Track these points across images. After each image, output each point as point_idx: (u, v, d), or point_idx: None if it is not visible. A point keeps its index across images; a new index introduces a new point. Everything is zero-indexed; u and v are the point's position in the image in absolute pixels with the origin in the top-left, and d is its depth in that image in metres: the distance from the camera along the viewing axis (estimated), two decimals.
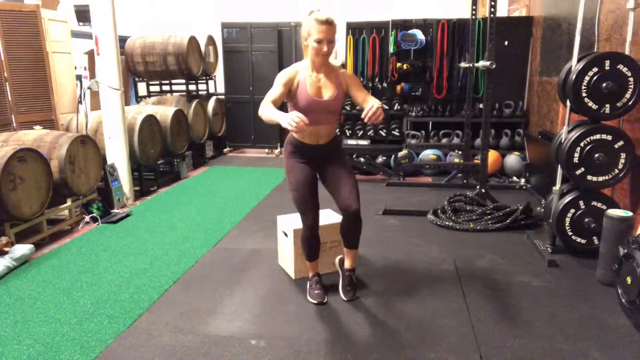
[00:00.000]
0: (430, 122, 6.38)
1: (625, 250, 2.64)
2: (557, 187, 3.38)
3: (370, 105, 2.33)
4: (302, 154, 2.68)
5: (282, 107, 2.45)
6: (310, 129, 2.54)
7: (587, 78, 3.09)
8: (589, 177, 3.20)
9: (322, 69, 2.59)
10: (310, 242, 2.77)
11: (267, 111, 2.38)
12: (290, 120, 2.18)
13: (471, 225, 4.00)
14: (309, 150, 2.66)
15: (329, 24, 2.46)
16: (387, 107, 2.03)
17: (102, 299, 2.87)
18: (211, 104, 7.23)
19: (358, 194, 2.67)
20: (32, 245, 3.52)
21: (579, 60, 3.15)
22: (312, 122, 2.40)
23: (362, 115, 2.34)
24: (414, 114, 6.29)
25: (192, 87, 7.06)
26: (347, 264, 2.91)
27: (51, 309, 2.76)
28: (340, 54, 6.81)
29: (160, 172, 5.64)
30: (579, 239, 3.32)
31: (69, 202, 4.16)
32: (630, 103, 3.08)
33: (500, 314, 2.66)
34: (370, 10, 7.42)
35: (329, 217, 3.20)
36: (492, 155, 5.56)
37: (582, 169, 3.19)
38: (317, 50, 2.49)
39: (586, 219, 3.25)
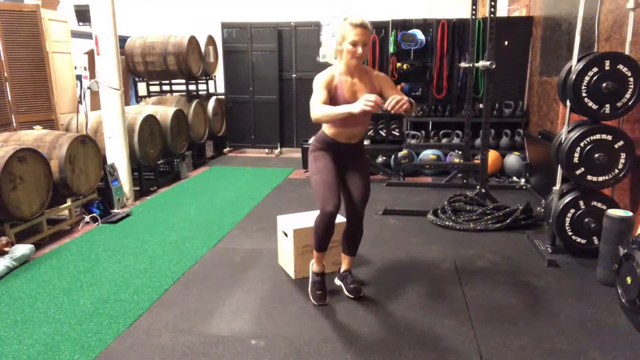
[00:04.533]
0: (430, 122, 6.38)
1: (625, 250, 2.64)
2: (557, 187, 3.38)
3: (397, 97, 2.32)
4: (332, 150, 2.72)
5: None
6: (345, 130, 2.66)
7: (587, 78, 3.09)
8: (589, 177, 3.20)
9: (356, 73, 2.64)
10: (325, 230, 2.64)
11: (327, 109, 2.43)
12: (365, 102, 2.24)
13: (471, 225, 4.00)
14: (340, 148, 2.72)
15: (363, 27, 2.51)
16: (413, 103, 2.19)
17: (102, 299, 2.87)
18: (211, 104, 7.23)
19: (365, 201, 2.75)
20: (32, 245, 3.52)
21: (579, 60, 3.15)
22: (348, 124, 2.60)
23: (386, 105, 2.29)
24: (414, 114, 6.29)
25: (192, 87, 7.06)
26: (345, 266, 2.94)
27: (51, 309, 2.76)
28: None
29: (160, 172, 5.63)
30: (579, 239, 3.32)
31: (69, 202, 4.16)
32: (630, 103, 3.08)
33: (500, 314, 2.66)
34: (370, 10, 7.42)
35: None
36: (492, 155, 5.56)
37: (582, 169, 3.19)
38: (352, 53, 2.52)
39: (586, 219, 3.25)
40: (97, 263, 3.40)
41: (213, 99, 7.35)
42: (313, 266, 2.88)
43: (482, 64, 4.24)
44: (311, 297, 2.83)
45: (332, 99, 2.59)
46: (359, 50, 2.51)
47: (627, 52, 3.17)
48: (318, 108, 2.46)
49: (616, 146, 3.14)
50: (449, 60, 6.25)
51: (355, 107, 2.29)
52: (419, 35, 6.16)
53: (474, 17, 5.30)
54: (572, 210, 3.28)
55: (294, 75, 7.30)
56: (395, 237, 3.88)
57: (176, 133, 5.94)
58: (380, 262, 3.37)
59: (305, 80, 7.25)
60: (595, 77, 3.07)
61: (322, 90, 2.54)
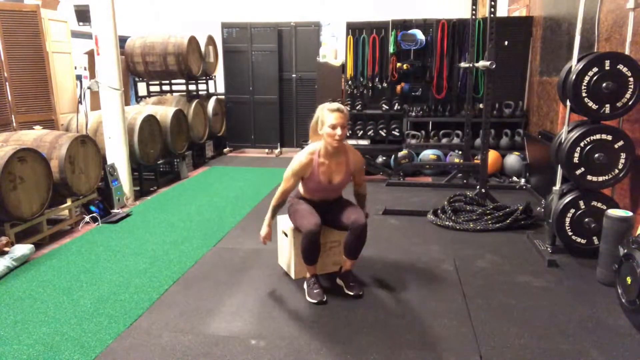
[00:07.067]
0: (430, 122, 6.38)
1: (625, 250, 2.64)
2: (557, 187, 3.38)
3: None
4: (310, 204, 2.98)
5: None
6: (319, 200, 2.97)
7: (587, 78, 3.09)
8: (589, 177, 3.20)
9: (334, 156, 2.84)
10: (311, 247, 2.79)
11: (271, 208, 2.96)
12: (262, 236, 2.97)
13: (471, 225, 4.00)
14: (317, 204, 2.98)
15: (340, 111, 2.71)
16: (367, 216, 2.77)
17: (102, 299, 2.87)
18: (211, 104, 7.23)
19: (358, 210, 2.89)
20: (32, 245, 3.52)
21: (579, 60, 3.15)
22: (321, 197, 2.95)
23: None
24: (414, 114, 6.29)
25: (192, 87, 7.06)
26: (346, 267, 2.96)
27: (51, 309, 2.76)
28: (340, 53, 6.81)
29: (160, 172, 5.64)
30: (579, 239, 3.32)
31: (69, 202, 4.16)
32: (630, 103, 3.07)
33: (500, 314, 2.66)
34: (370, 10, 7.42)
35: None
36: (492, 155, 5.56)
37: (582, 169, 3.19)
38: (331, 135, 2.70)
39: (586, 219, 3.25)
40: (97, 263, 3.40)
41: (213, 99, 7.35)
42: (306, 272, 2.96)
43: (482, 64, 4.24)
44: (308, 297, 2.84)
45: (308, 179, 2.86)
46: (338, 132, 2.68)
47: (627, 52, 3.16)
48: (275, 197, 2.93)
49: (616, 146, 3.14)
50: (449, 60, 6.25)
51: (262, 229, 3.00)
52: (419, 35, 6.16)
53: (474, 17, 5.30)
54: (572, 210, 3.28)
55: (294, 75, 7.30)
56: (395, 237, 3.88)
57: (176, 133, 5.94)
58: (380, 262, 3.37)
59: (305, 80, 7.25)
60: (595, 77, 3.07)
61: (291, 178, 2.84)
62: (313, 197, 2.96)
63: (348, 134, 6.36)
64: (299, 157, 2.83)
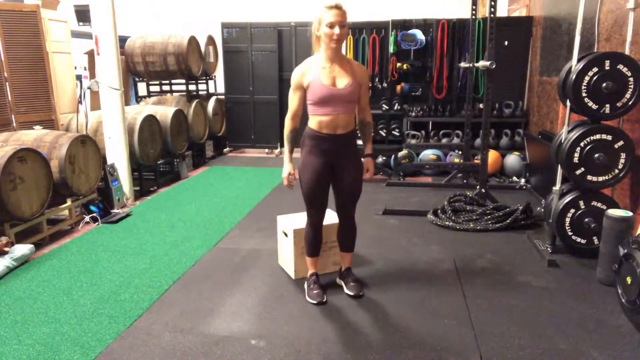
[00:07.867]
0: (430, 122, 6.38)
1: (625, 250, 2.64)
2: (557, 187, 3.38)
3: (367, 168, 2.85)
4: (319, 148, 2.66)
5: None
6: (328, 119, 2.59)
7: (587, 78, 3.09)
8: (589, 177, 3.20)
9: (336, 60, 2.57)
10: (312, 238, 2.83)
11: (285, 139, 2.73)
12: (284, 177, 2.73)
13: (471, 225, 4.00)
14: (327, 142, 2.64)
15: (338, 8, 2.47)
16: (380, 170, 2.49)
17: (102, 299, 2.87)
18: (211, 104, 7.23)
19: (356, 201, 2.80)
20: (32, 245, 3.52)
21: (579, 60, 3.15)
22: (329, 112, 2.58)
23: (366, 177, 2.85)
24: (414, 114, 6.29)
25: (192, 87, 7.06)
26: (345, 265, 2.96)
27: (51, 309, 2.76)
28: None
29: (160, 172, 5.63)
30: (579, 239, 3.32)
31: (69, 202, 4.16)
32: (630, 103, 3.08)
33: (500, 314, 2.66)
34: (370, 10, 7.42)
35: (329, 217, 3.19)
36: (492, 155, 5.56)
37: (582, 169, 3.19)
38: (329, 36, 2.46)
39: (586, 219, 3.25)
40: (97, 263, 3.40)
41: (213, 99, 7.35)
42: (308, 269, 2.96)
43: (482, 64, 4.24)
44: (308, 297, 2.84)
45: (311, 89, 2.57)
46: (337, 30, 2.45)
47: (627, 52, 3.16)
48: (286, 123, 2.72)
49: (616, 146, 3.14)
50: (449, 60, 6.25)
51: (284, 169, 2.74)
52: (419, 35, 6.16)
53: (474, 17, 5.30)
54: (572, 210, 3.28)
55: None
56: (395, 237, 3.88)
57: (176, 133, 5.93)
58: (380, 262, 3.37)
59: None
60: (595, 77, 3.07)
61: (294, 95, 2.64)
62: (322, 119, 2.60)
63: None
64: (297, 69, 2.62)
